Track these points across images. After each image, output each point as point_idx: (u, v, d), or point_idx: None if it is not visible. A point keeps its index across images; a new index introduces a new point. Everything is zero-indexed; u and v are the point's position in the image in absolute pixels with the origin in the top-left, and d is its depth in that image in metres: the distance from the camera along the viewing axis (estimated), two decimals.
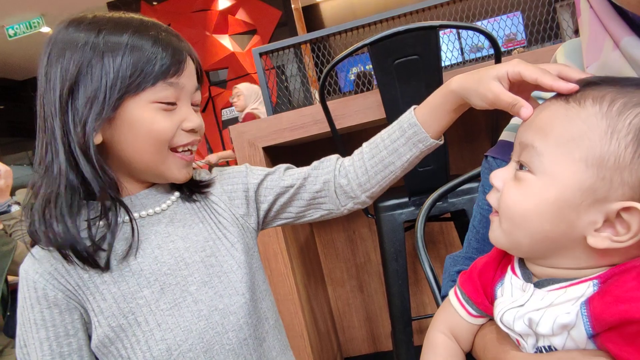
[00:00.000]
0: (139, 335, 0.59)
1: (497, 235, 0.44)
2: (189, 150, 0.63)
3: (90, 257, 0.57)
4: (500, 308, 0.44)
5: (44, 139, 0.58)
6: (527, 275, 0.45)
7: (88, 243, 0.57)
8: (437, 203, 1.23)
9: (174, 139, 0.60)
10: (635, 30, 0.44)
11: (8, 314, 1.57)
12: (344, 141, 1.33)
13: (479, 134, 1.74)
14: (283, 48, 1.79)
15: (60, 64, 0.57)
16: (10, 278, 1.65)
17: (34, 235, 0.57)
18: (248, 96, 3.16)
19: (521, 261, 0.46)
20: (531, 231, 0.41)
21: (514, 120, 0.60)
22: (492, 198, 0.45)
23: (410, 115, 0.63)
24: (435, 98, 0.61)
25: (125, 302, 0.59)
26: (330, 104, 1.29)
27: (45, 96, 0.58)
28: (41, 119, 0.58)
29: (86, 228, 0.57)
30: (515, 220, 0.42)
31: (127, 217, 0.61)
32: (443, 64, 1.90)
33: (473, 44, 4.13)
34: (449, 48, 1.91)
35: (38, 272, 0.58)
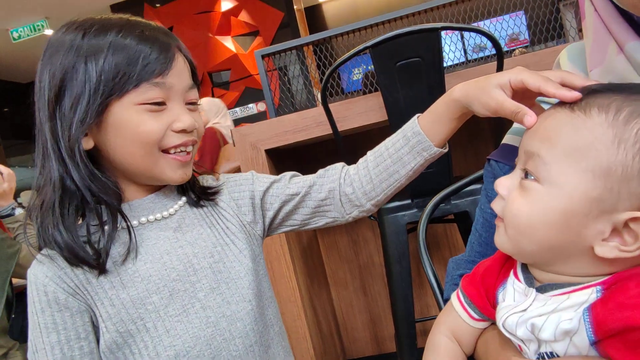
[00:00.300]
0: (147, 341, 0.59)
1: (503, 241, 0.44)
2: (183, 150, 0.61)
3: (86, 261, 0.57)
4: (503, 313, 0.44)
5: (40, 144, 0.59)
6: (530, 280, 0.44)
7: (87, 248, 0.57)
8: (441, 205, 1.22)
9: (164, 141, 0.59)
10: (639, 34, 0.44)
11: (13, 316, 1.57)
12: (346, 143, 1.33)
13: (483, 136, 1.74)
14: (285, 50, 1.80)
15: (48, 69, 0.57)
16: (15, 280, 1.65)
17: (39, 238, 0.58)
18: (208, 111, 3.12)
19: (524, 266, 0.46)
20: (537, 240, 0.41)
21: (517, 124, 0.60)
22: (497, 206, 0.45)
23: (413, 124, 0.63)
24: (438, 107, 0.61)
25: (134, 308, 0.58)
26: (332, 106, 1.29)
27: (38, 101, 0.58)
28: (38, 124, 0.59)
29: (86, 234, 0.58)
30: (521, 229, 0.42)
31: (119, 224, 0.60)
32: (446, 64, 1.89)
33: (475, 44, 4.12)
34: (451, 49, 1.91)
35: (48, 276, 0.58)
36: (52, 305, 0.57)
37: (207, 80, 5.20)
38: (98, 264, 0.57)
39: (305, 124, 1.36)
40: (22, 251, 1.55)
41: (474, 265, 0.54)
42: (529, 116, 0.45)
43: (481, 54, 4.08)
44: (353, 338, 1.93)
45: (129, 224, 0.60)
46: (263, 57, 1.83)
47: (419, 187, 1.24)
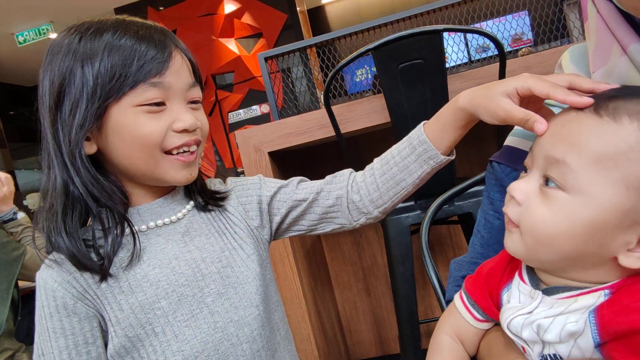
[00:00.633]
0: (156, 346, 0.58)
1: (517, 247, 0.43)
2: (186, 151, 0.60)
3: (89, 267, 0.57)
4: (508, 314, 0.44)
5: (44, 150, 0.59)
6: (535, 282, 0.44)
7: (92, 254, 0.57)
8: (444, 206, 1.22)
9: (165, 142, 0.58)
10: None
11: (19, 318, 1.59)
12: (349, 145, 1.33)
13: (486, 137, 1.73)
14: (288, 52, 1.80)
15: (48, 74, 0.57)
16: (21, 283, 1.67)
17: (47, 243, 0.58)
18: None
19: (529, 267, 0.46)
20: (558, 250, 0.40)
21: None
22: (511, 211, 0.43)
23: (419, 132, 0.62)
24: (444, 115, 0.60)
25: (143, 313, 0.58)
26: (335, 108, 1.29)
27: (41, 107, 0.58)
28: (42, 130, 0.59)
29: (91, 239, 0.58)
30: (542, 239, 0.40)
31: (128, 229, 0.60)
32: (449, 65, 1.89)
33: (478, 45, 4.11)
34: (454, 50, 1.91)
35: (57, 281, 0.57)
36: (61, 310, 0.57)
37: (210, 83, 5.22)
38: (101, 270, 0.57)
39: (308, 126, 1.36)
40: (27, 253, 1.56)
41: (476, 266, 0.54)
42: (540, 123, 0.44)
43: (484, 55, 4.07)
44: (357, 339, 1.93)
45: (133, 229, 0.59)
46: (266, 59, 1.84)
47: (422, 189, 1.23)
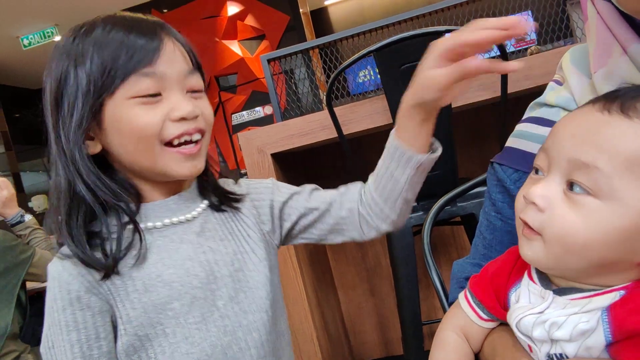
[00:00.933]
0: (165, 346, 0.58)
1: (539, 256, 0.41)
2: (188, 141, 0.58)
3: (95, 267, 0.57)
4: (518, 313, 0.43)
5: (49, 152, 0.59)
6: (546, 282, 0.44)
7: (98, 254, 0.57)
8: (447, 207, 1.22)
9: (163, 132, 0.56)
10: None
11: (26, 320, 1.60)
12: (351, 147, 1.33)
13: (488, 137, 1.73)
14: (290, 54, 1.81)
15: (49, 77, 0.58)
16: (29, 285, 1.68)
17: (65, 255, 0.58)
18: None
19: None
20: (588, 258, 0.38)
21: (520, 127, 0.60)
22: (532, 218, 0.41)
23: (392, 139, 0.62)
24: (402, 117, 0.60)
25: (155, 313, 0.58)
26: (337, 109, 1.30)
27: (44, 110, 0.59)
28: (47, 131, 0.59)
29: (98, 239, 0.58)
30: (572, 248, 0.38)
31: (149, 224, 0.60)
32: None
33: None
34: None
35: (71, 274, 0.57)
36: (74, 304, 0.57)
37: (214, 85, 5.23)
38: (107, 270, 0.57)
39: (311, 128, 1.36)
40: (35, 255, 1.57)
41: (479, 268, 0.54)
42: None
43: (486, 55, 4.06)
44: (361, 340, 1.93)
45: (138, 227, 0.59)
46: (269, 61, 1.85)
47: (424, 190, 1.23)
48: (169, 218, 0.61)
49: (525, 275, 0.46)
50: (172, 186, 0.63)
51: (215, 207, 0.66)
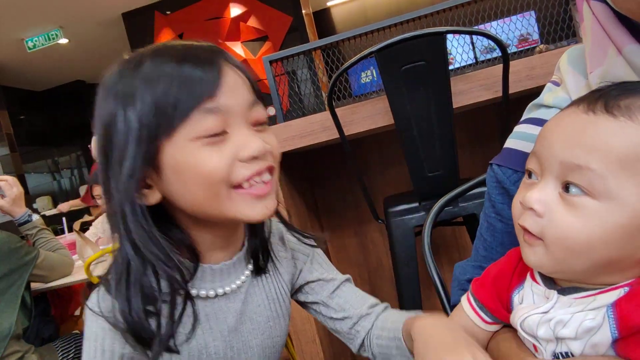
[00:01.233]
0: None
1: (543, 262, 0.41)
2: (259, 182, 0.51)
3: (148, 342, 0.51)
4: (522, 313, 0.43)
5: (106, 201, 0.52)
6: (549, 283, 0.44)
7: (151, 325, 0.51)
8: (448, 208, 1.22)
9: (233, 175, 0.49)
10: (638, 38, 0.44)
11: (31, 321, 1.61)
12: (353, 147, 1.33)
13: (490, 137, 1.73)
14: (293, 55, 1.81)
15: (97, 120, 0.51)
16: (34, 285, 1.69)
17: (109, 290, 0.53)
18: (95, 148, 3.09)
19: None
20: (592, 258, 0.38)
21: (519, 128, 0.60)
22: (531, 223, 0.41)
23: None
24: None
25: None
26: (338, 110, 1.30)
27: (97, 152, 0.53)
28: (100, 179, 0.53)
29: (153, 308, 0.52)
30: (575, 250, 0.38)
31: (202, 292, 0.56)
32: (455, 66, 1.88)
33: (483, 47, 4.10)
34: (458, 52, 1.90)
35: (116, 341, 0.52)
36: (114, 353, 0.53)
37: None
38: (163, 346, 0.52)
39: (312, 129, 1.37)
40: (40, 256, 1.58)
41: (481, 270, 0.54)
42: None
43: (489, 56, 4.06)
44: None
45: (194, 308, 0.54)
46: (271, 62, 1.85)
47: (426, 190, 1.24)
48: (222, 288, 0.57)
49: (528, 277, 0.46)
50: (231, 240, 0.59)
51: (258, 272, 0.63)
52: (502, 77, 1.19)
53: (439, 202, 0.83)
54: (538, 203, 0.40)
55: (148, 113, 0.47)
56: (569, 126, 0.40)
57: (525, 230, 0.41)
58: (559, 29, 1.97)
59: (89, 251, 1.77)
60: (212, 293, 0.57)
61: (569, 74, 0.54)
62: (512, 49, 4.15)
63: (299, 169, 1.73)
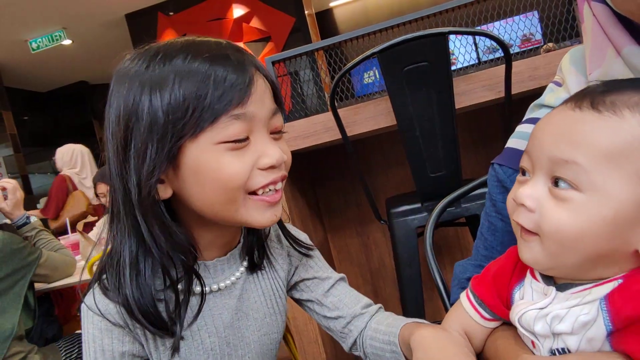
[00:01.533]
0: None
1: (538, 257, 0.42)
2: (271, 189, 0.52)
3: (159, 326, 0.52)
4: (520, 309, 0.44)
5: (112, 192, 0.52)
6: (548, 279, 0.44)
7: (161, 311, 0.53)
8: (451, 208, 1.22)
9: (250, 182, 0.50)
10: (637, 39, 0.44)
11: (34, 321, 1.61)
12: (355, 148, 1.33)
13: (493, 138, 1.73)
14: (295, 56, 1.81)
15: (113, 109, 0.50)
16: (38, 286, 1.70)
17: (105, 292, 0.53)
18: (59, 159, 3.11)
19: None
20: (584, 251, 0.39)
21: (521, 128, 0.60)
22: (525, 219, 0.42)
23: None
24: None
25: None
26: (340, 111, 1.30)
27: (108, 149, 0.51)
28: (109, 171, 0.52)
29: (162, 290, 0.53)
30: (567, 243, 0.39)
31: (198, 289, 0.56)
32: (458, 67, 1.88)
33: (486, 47, 4.09)
34: (460, 52, 1.90)
35: (113, 337, 0.53)
36: (113, 333, 0.54)
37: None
38: (167, 329, 0.53)
39: (315, 129, 1.37)
40: (42, 257, 1.59)
41: (481, 268, 0.54)
42: None
43: (492, 56, 4.05)
44: None
45: (204, 290, 0.56)
46: (273, 63, 1.85)
47: (428, 191, 1.24)
48: (216, 283, 0.58)
49: (528, 274, 0.47)
50: (229, 239, 0.60)
51: (253, 267, 0.63)
52: (505, 77, 1.19)
53: (441, 202, 0.83)
54: (529, 199, 0.41)
55: (176, 108, 0.46)
56: (558, 123, 0.41)
57: (522, 227, 0.42)
58: (562, 29, 1.96)
59: (92, 251, 1.77)
60: (206, 289, 0.57)
61: (571, 74, 0.54)
62: (515, 49, 4.14)
63: (301, 170, 1.74)
